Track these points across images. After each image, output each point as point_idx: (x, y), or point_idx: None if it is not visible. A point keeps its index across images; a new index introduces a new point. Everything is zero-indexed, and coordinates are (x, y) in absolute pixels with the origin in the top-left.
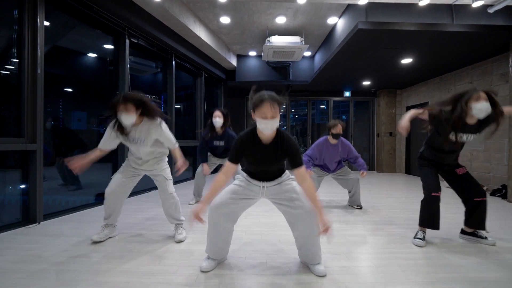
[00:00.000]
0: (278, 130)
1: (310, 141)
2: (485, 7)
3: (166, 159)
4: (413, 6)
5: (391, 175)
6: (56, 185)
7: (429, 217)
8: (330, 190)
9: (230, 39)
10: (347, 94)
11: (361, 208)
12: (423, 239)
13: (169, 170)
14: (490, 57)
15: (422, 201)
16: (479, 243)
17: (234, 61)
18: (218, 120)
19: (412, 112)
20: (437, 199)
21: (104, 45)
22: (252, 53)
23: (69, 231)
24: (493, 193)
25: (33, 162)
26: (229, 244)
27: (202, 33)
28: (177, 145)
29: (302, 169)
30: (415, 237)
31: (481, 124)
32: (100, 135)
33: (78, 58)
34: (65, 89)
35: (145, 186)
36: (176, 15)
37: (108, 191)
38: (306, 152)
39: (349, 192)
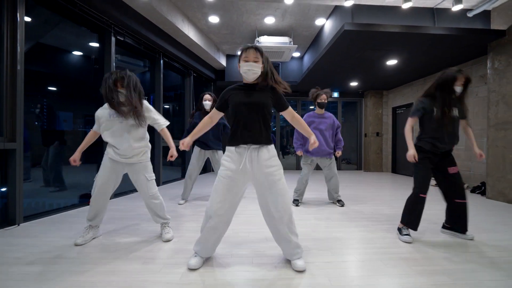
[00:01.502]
0: (266, 78)
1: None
2: (464, 11)
3: (149, 154)
4: (397, 8)
5: (378, 174)
6: (38, 187)
7: (412, 216)
8: (316, 188)
9: (219, 38)
10: (336, 94)
11: (342, 205)
12: (410, 234)
13: (151, 167)
14: (470, 60)
15: (408, 199)
16: (459, 237)
17: (223, 61)
18: (207, 102)
19: (408, 132)
20: (423, 200)
21: (89, 43)
22: None
23: (51, 233)
24: (473, 190)
25: (12, 162)
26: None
27: (190, 32)
28: (166, 124)
29: (290, 109)
30: (402, 234)
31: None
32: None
33: (62, 56)
34: (50, 88)
35: (132, 186)
36: (164, 13)
37: (95, 191)
38: (295, 135)
39: (328, 181)
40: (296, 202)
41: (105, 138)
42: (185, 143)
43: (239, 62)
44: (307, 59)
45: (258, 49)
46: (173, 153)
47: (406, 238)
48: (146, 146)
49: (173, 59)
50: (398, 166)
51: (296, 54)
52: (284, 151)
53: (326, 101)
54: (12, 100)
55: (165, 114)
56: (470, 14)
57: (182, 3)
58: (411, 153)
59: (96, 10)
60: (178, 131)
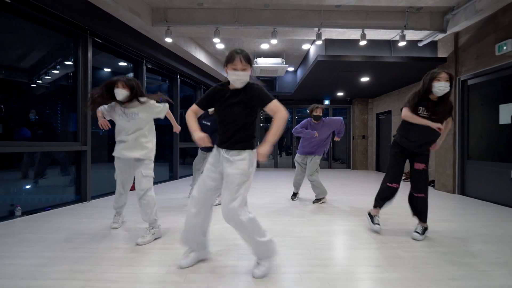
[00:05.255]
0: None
1: (295, 143)
2: (415, 42)
3: (152, 157)
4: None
5: (364, 172)
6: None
7: (379, 200)
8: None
9: (224, 58)
10: (327, 102)
11: (322, 202)
12: (379, 224)
13: (151, 166)
14: None
15: (380, 187)
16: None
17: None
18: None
19: (412, 116)
20: (392, 189)
21: (119, 63)
22: None
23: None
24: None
25: (84, 159)
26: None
27: (201, 56)
28: (166, 106)
29: (272, 104)
30: (374, 223)
31: (438, 105)
32: (99, 136)
33: (95, 72)
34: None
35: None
36: (182, 45)
37: (117, 188)
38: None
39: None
40: (293, 196)
41: (116, 134)
42: (202, 138)
43: (225, 66)
44: (299, 73)
45: (245, 58)
46: (177, 128)
47: (375, 227)
48: (152, 144)
49: (187, 77)
50: (381, 165)
51: (290, 69)
52: (287, 151)
53: (321, 114)
54: (84, 119)
55: (181, 118)
56: (420, 44)
57: (196, 37)
58: (430, 124)
59: (135, 48)
60: (187, 133)
